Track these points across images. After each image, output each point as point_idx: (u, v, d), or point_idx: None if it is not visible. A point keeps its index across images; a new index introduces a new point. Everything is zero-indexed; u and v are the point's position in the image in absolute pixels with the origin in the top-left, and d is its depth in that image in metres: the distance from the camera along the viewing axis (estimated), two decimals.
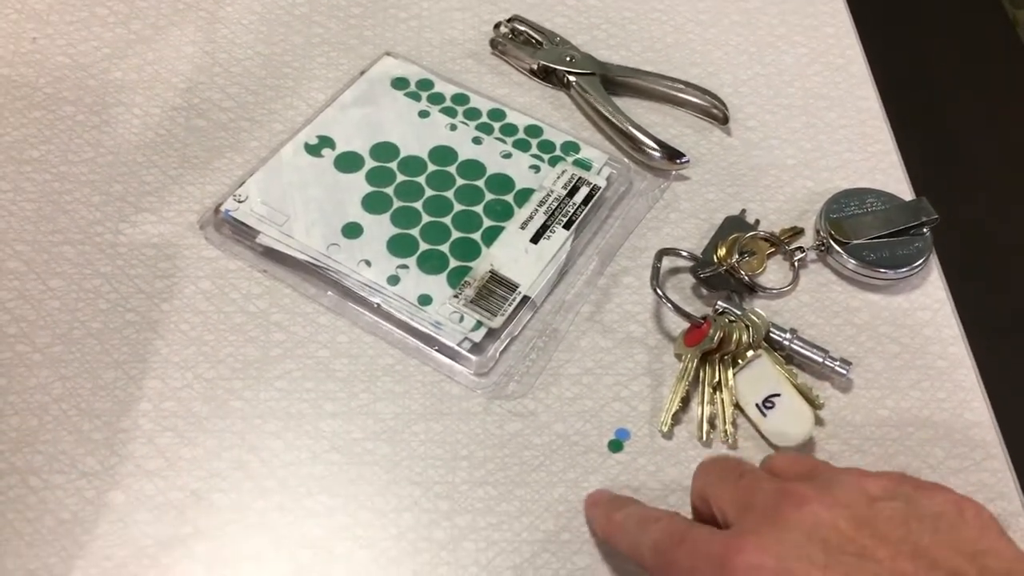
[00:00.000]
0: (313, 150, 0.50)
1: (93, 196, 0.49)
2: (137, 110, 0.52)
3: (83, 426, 0.41)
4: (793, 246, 0.49)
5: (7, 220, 0.47)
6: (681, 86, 0.54)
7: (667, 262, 0.48)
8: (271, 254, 0.47)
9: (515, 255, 0.47)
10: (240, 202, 0.48)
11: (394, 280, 0.46)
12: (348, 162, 0.50)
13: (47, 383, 0.42)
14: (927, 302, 0.48)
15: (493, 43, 0.56)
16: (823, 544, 0.31)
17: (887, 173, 0.52)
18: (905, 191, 0.52)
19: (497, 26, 0.56)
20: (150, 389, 0.43)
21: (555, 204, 0.49)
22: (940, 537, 0.31)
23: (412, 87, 0.54)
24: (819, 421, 0.44)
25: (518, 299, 0.45)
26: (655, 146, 0.51)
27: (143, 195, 0.49)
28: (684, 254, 0.48)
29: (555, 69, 0.54)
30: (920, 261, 0.48)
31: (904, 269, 0.48)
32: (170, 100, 0.53)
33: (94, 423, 0.41)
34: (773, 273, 0.49)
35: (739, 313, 0.45)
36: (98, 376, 0.43)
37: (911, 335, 0.47)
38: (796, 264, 0.48)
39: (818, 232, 0.49)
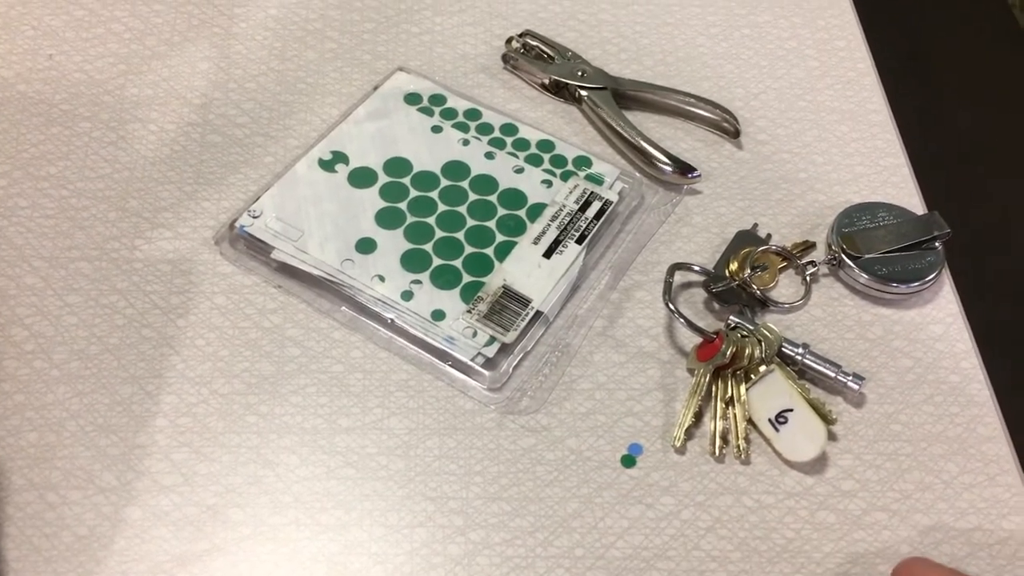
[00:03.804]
0: (327, 165, 0.51)
1: (109, 212, 0.49)
2: (153, 126, 0.53)
3: (100, 442, 0.42)
4: (805, 260, 0.49)
5: (25, 236, 0.48)
6: (692, 100, 0.54)
7: (679, 277, 0.48)
8: (286, 269, 0.47)
9: (528, 270, 0.47)
10: (255, 217, 0.48)
11: (408, 295, 0.46)
12: (362, 177, 0.50)
13: (64, 399, 0.43)
14: (939, 316, 0.48)
15: (505, 58, 0.56)
16: None
17: (899, 187, 0.53)
18: (917, 205, 0.52)
19: (509, 41, 0.57)
20: (166, 404, 0.43)
21: (567, 219, 0.49)
22: None
23: (425, 102, 0.54)
24: (832, 436, 0.44)
25: (531, 314, 0.46)
26: (667, 160, 0.51)
27: (159, 211, 0.49)
28: (696, 268, 0.48)
29: (567, 84, 0.55)
30: (932, 275, 0.48)
31: (916, 283, 0.48)
32: (185, 116, 0.53)
33: (111, 439, 0.42)
34: (785, 287, 0.49)
35: (751, 328, 0.45)
36: (115, 392, 0.43)
37: (924, 349, 0.47)
38: (808, 278, 0.48)
39: (830, 246, 0.49)
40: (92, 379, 0.43)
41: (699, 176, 0.51)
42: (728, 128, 0.54)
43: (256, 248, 0.48)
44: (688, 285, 0.49)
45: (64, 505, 0.40)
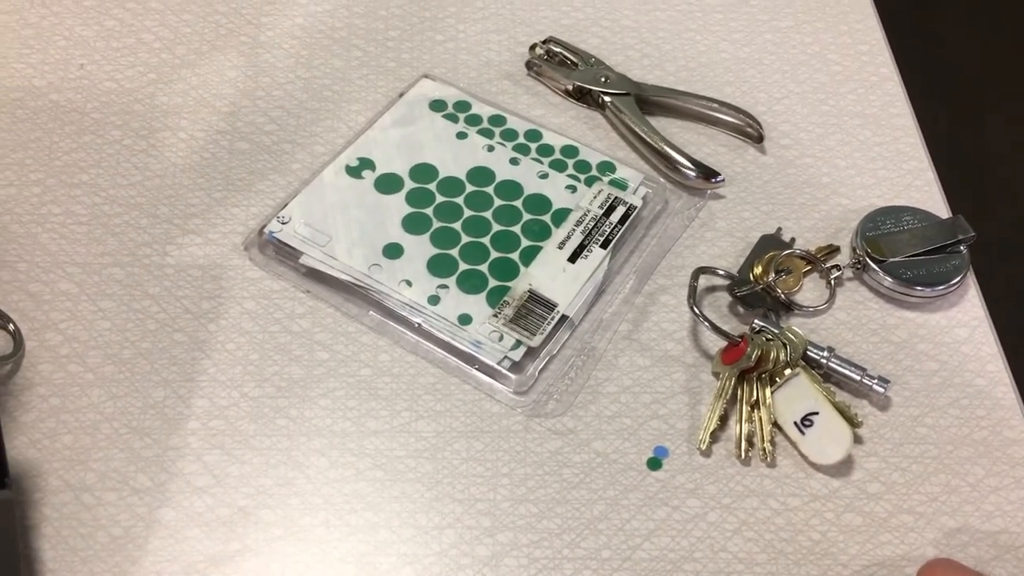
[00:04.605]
0: (354, 172, 0.51)
1: (141, 219, 0.50)
2: (183, 134, 0.53)
3: (134, 444, 0.42)
4: (829, 264, 0.49)
5: (59, 243, 0.49)
6: (715, 105, 0.55)
7: (704, 281, 0.48)
8: (314, 275, 0.48)
9: (553, 274, 0.47)
10: (283, 223, 0.49)
11: (434, 300, 0.47)
12: (388, 183, 0.51)
13: (99, 402, 0.44)
14: (965, 319, 0.48)
15: (529, 64, 0.57)
16: None
17: (923, 191, 0.53)
18: (941, 208, 0.52)
19: (533, 48, 0.57)
20: (198, 408, 0.44)
21: (592, 224, 0.49)
22: None
23: (450, 109, 0.54)
24: (858, 439, 0.44)
25: (556, 318, 0.46)
26: (690, 165, 0.52)
27: (189, 217, 0.50)
28: (720, 273, 0.48)
29: (590, 90, 0.55)
30: (957, 279, 0.48)
31: (941, 287, 0.48)
32: (214, 124, 0.54)
33: (144, 441, 0.43)
34: (810, 291, 0.49)
35: (776, 331, 0.46)
36: (148, 395, 0.44)
37: (949, 353, 0.47)
38: (833, 282, 0.49)
39: (854, 250, 0.49)
40: (125, 382, 0.44)
41: (723, 181, 0.52)
42: (751, 133, 0.54)
43: (285, 254, 0.48)
44: (713, 289, 0.49)
45: (99, 506, 0.41)
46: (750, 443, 0.44)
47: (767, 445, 0.43)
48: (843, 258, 0.50)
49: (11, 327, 0.45)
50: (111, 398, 0.44)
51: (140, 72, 0.56)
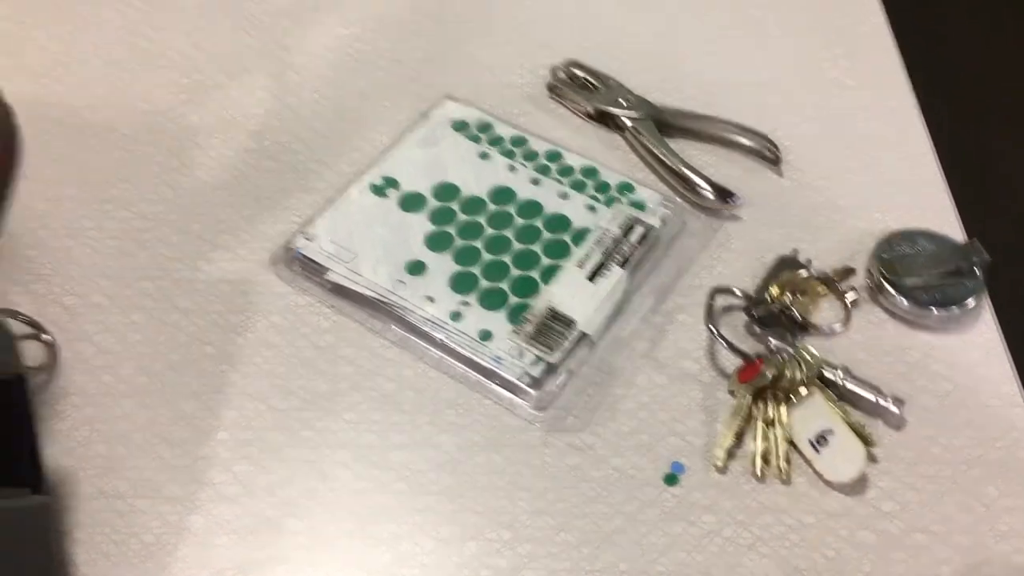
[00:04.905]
0: (378, 190, 0.53)
1: (172, 235, 0.51)
2: (213, 152, 0.55)
3: (165, 453, 0.44)
4: (845, 286, 0.50)
5: (92, 257, 0.50)
6: (733, 128, 0.56)
7: (721, 300, 0.49)
8: (339, 290, 0.49)
9: (573, 292, 0.49)
10: (310, 240, 0.50)
11: (456, 316, 0.48)
12: (412, 202, 0.52)
13: (131, 412, 0.45)
14: (979, 341, 0.49)
15: (550, 87, 0.58)
16: None
17: (939, 214, 0.53)
18: (957, 232, 0.52)
19: (554, 70, 0.59)
20: (227, 419, 0.45)
21: (611, 243, 0.50)
22: None
23: (472, 129, 0.56)
24: (872, 458, 0.45)
25: (576, 335, 0.47)
26: (708, 187, 0.53)
27: (218, 233, 0.51)
28: (737, 293, 0.49)
29: (610, 112, 0.56)
30: (972, 301, 0.49)
31: (956, 309, 0.48)
32: (243, 143, 0.55)
33: (175, 451, 0.44)
34: (825, 312, 0.50)
35: (792, 351, 0.46)
36: (178, 406, 0.45)
37: (963, 374, 0.47)
38: (848, 304, 0.49)
39: (870, 272, 0.50)
40: (157, 394, 0.45)
41: (740, 202, 0.53)
42: (769, 155, 0.55)
43: (311, 269, 0.50)
44: (730, 309, 0.50)
45: (131, 513, 0.42)
46: (765, 460, 0.44)
47: (782, 463, 0.44)
48: (859, 280, 0.51)
49: (47, 338, 0.47)
50: (143, 408, 0.45)
51: (172, 92, 0.58)
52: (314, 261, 0.50)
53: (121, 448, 0.44)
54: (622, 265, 0.50)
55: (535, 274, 0.50)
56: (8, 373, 0.38)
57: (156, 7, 0.62)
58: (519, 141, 0.55)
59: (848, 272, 0.51)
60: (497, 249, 0.50)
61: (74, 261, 0.50)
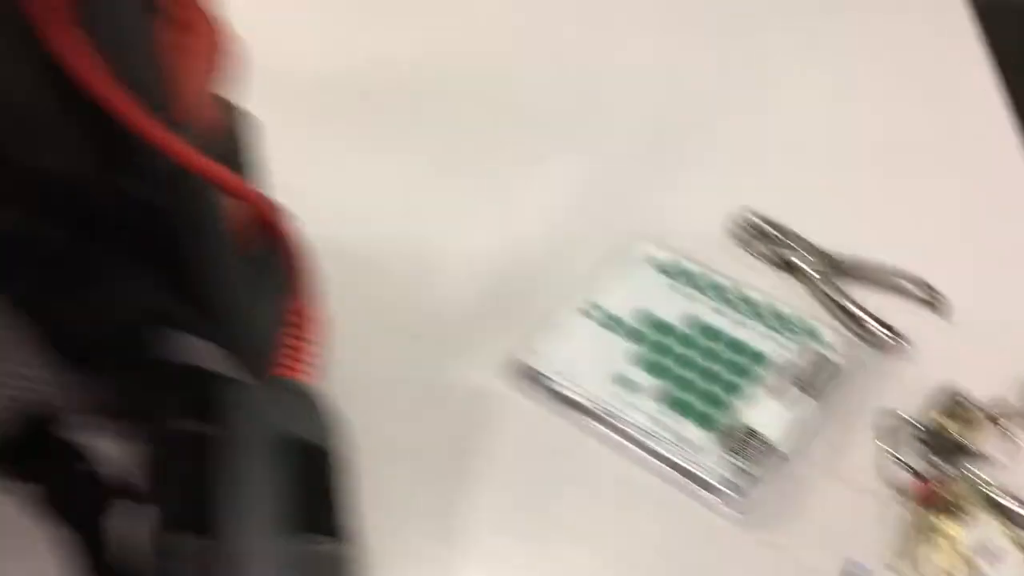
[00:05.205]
0: (591, 315, 0.62)
1: (412, 346, 0.61)
2: (451, 276, 0.65)
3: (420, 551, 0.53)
4: (1016, 416, 0.56)
5: (333, 361, 0.60)
6: (900, 275, 0.64)
7: (893, 423, 0.56)
8: (558, 397, 0.58)
9: (766, 413, 0.56)
10: (534, 354, 0.60)
11: (665, 426, 0.56)
12: (616, 325, 0.61)
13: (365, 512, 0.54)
14: None
15: (733, 233, 0.68)
16: None
17: None
18: None
19: (736, 219, 0.68)
20: (460, 512, 0.54)
21: (797, 371, 0.58)
22: None
23: (666, 266, 0.65)
24: None
25: (769, 450, 0.55)
26: (878, 326, 0.60)
27: (448, 343, 0.61)
28: (908, 418, 0.56)
29: (789, 258, 0.65)
30: None
31: None
32: (478, 267, 0.66)
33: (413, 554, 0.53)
34: (993, 441, 0.56)
35: (964, 475, 0.53)
36: (422, 508, 0.54)
37: None
38: (1013, 436, 0.56)
39: None
40: (388, 496, 0.54)
41: (907, 340, 0.60)
42: (932, 301, 0.63)
43: (538, 381, 0.59)
44: (903, 433, 0.57)
45: None
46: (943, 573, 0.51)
47: None
48: None
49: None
50: (373, 510, 0.53)
51: (412, 220, 0.69)
52: (541, 373, 0.59)
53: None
54: (806, 391, 0.57)
55: (732, 395, 0.58)
56: (322, 446, 0.47)
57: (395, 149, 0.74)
58: (707, 279, 0.64)
59: (1012, 406, 0.57)
60: (699, 372, 0.59)
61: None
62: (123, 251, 0.44)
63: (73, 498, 0.46)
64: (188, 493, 0.43)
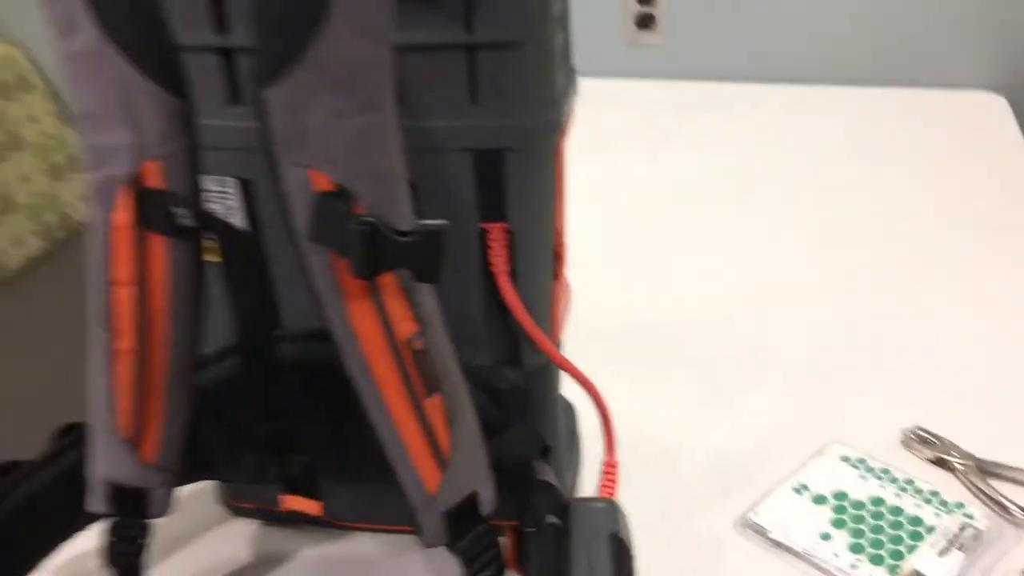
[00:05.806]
0: (797, 491, 0.88)
1: (669, 500, 0.88)
2: (698, 463, 0.93)
3: None
4: None
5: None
6: None
7: None
8: (779, 545, 0.83)
9: (931, 565, 0.79)
10: (760, 513, 0.85)
11: (854, 566, 0.80)
12: (819, 499, 0.87)
13: None
14: None
15: (905, 441, 0.92)
16: None
17: None
18: None
19: (905, 431, 0.93)
20: None
21: (952, 537, 0.81)
22: None
23: (853, 462, 0.90)
24: None
25: None
26: (1017, 509, 0.83)
27: (703, 506, 0.88)
28: None
29: (948, 461, 0.89)
30: None
31: None
32: (719, 460, 0.93)
33: None
34: None
35: None
36: None
37: None
38: None
39: None
40: None
41: None
42: None
43: (760, 532, 0.84)
44: None
45: None
46: None
47: None
48: None
49: None
50: None
51: (676, 430, 0.98)
52: (765, 528, 0.84)
53: None
54: (960, 549, 0.80)
55: (904, 549, 0.81)
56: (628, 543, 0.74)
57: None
58: (885, 470, 0.89)
59: None
60: (880, 533, 0.83)
61: None
62: (509, 416, 0.76)
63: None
64: (551, 564, 0.71)
